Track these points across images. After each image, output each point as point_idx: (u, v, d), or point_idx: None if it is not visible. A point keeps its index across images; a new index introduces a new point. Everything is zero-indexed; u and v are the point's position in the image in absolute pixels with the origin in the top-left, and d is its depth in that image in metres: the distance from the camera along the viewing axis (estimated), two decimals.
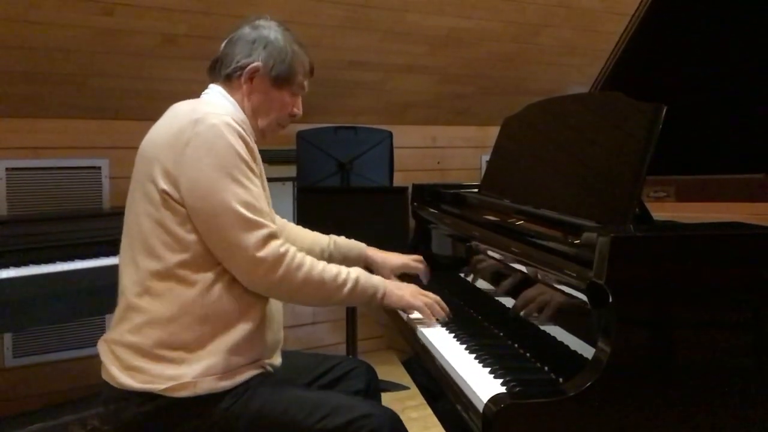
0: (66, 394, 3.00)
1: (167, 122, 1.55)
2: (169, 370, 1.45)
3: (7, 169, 2.88)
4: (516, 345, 1.52)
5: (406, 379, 3.34)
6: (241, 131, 1.51)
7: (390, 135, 3.46)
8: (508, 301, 1.61)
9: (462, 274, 1.93)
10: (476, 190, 2.18)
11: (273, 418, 1.48)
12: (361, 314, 3.36)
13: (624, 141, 1.46)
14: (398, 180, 3.53)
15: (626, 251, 1.16)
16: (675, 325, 1.19)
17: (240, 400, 1.48)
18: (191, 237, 1.47)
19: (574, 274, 1.25)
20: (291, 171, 3.46)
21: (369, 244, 1.99)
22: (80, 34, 2.73)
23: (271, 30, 1.66)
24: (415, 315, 1.72)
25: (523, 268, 1.51)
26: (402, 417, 1.56)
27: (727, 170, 2.03)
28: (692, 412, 1.17)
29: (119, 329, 1.52)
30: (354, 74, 3.49)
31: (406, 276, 1.95)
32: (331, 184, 3.34)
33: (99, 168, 3.09)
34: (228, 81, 1.64)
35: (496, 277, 1.68)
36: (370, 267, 1.91)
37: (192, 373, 1.45)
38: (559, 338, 1.36)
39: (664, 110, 1.37)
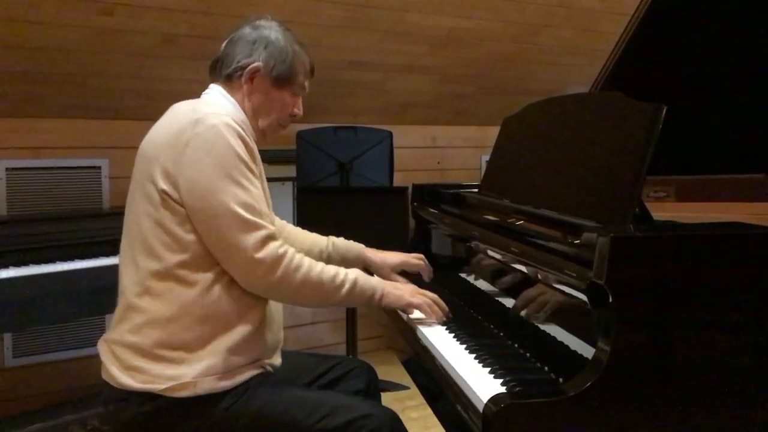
0: (66, 394, 3.00)
1: (167, 122, 1.55)
2: (169, 370, 1.45)
3: (7, 169, 2.88)
4: (516, 345, 1.52)
5: (406, 379, 3.34)
6: (241, 132, 1.51)
7: (390, 135, 3.46)
8: (508, 301, 1.61)
9: (462, 274, 1.93)
10: (476, 190, 2.18)
11: (273, 418, 1.48)
12: (361, 314, 3.36)
13: (624, 141, 1.46)
14: (398, 180, 3.52)
15: (626, 251, 1.16)
16: (675, 325, 1.19)
17: (240, 400, 1.48)
18: (190, 237, 1.47)
19: (574, 274, 1.25)
20: (291, 171, 3.46)
21: (369, 244, 1.99)
22: (80, 34, 2.73)
23: (271, 30, 1.66)
24: (415, 315, 1.72)
25: (523, 268, 1.51)
26: (402, 417, 1.56)
27: (727, 170, 2.03)
28: (692, 412, 1.17)
29: (119, 329, 1.52)
30: (354, 74, 3.49)
31: (407, 275, 1.94)
32: (331, 184, 3.34)
33: (99, 168, 3.09)
34: (228, 81, 1.64)
35: (496, 277, 1.68)
36: (368, 268, 1.91)
37: (192, 373, 1.45)
38: (559, 338, 1.36)
39: (664, 110, 1.37)
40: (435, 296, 1.71)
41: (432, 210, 2.23)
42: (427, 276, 1.94)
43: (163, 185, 1.47)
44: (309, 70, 1.71)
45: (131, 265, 1.52)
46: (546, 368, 1.38)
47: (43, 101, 2.93)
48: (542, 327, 1.43)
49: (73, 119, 3.05)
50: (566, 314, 1.34)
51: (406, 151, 3.88)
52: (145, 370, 1.46)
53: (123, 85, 3.02)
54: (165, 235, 1.48)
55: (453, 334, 1.60)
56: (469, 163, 4.17)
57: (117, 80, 2.99)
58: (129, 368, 1.47)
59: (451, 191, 2.22)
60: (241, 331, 1.50)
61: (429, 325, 1.68)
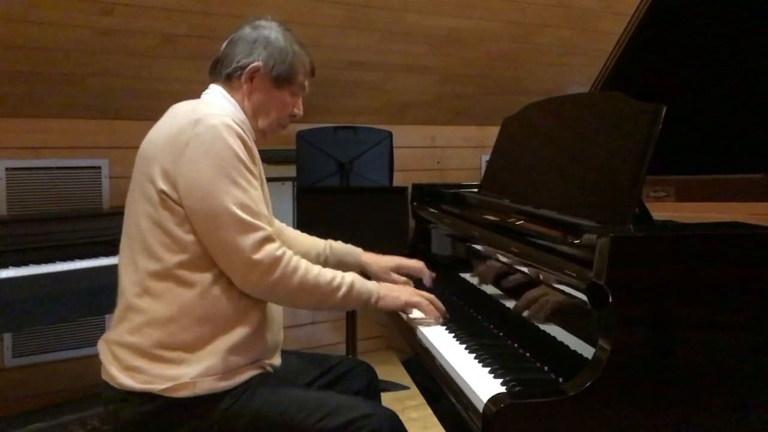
0: (66, 394, 3.00)
1: (167, 123, 1.55)
2: (169, 370, 1.45)
3: (7, 169, 2.88)
4: (516, 345, 1.52)
5: (406, 379, 3.34)
6: (241, 132, 1.51)
7: (390, 135, 3.46)
8: (508, 301, 1.61)
9: (462, 274, 1.93)
10: (476, 190, 2.18)
11: (272, 418, 1.48)
12: (360, 314, 3.35)
13: (624, 141, 1.46)
14: (398, 180, 3.53)
15: (626, 251, 1.16)
16: (675, 325, 1.19)
17: (239, 401, 1.48)
18: (189, 237, 1.47)
19: (574, 274, 1.25)
20: (291, 171, 3.46)
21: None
22: (80, 34, 2.73)
23: (271, 30, 1.66)
24: (415, 315, 1.72)
25: (523, 268, 1.51)
26: (402, 417, 1.56)
27: (727, 170, 2.03)
28: (692, 412, 1.17)
29: (119, 329, 1.52)
30: (354, 74, 3.49)
31: (408, 277, 1.93)
32: (330, 184, 3.34)
33: (99, 168, 3.09)
34: (228, 81, 1.64)
35: (495, 277, 1.68)
36: (366, 272, 1.90)
37: (191, 373, 1.45)
38: (559, 338, 1.36)
39: (664, 110, 1.37)
40: (432, 296, 1.72)
41: (432, 210, 2.23)
42: (427, 280, 1.93)
43: (163, 185, 1.47)
44: (309, 70, 1.71)
45: (131, 265, 1.52)
46: (546, 368, 1.38)
47: (43, 101, 2.93)
48: (542, 327, 1.43)
49: (73, 119, 3.05)
50: (566, 314, 1.34)
51: (406, 151, 3.88)
52: (145, 370, 1.46)
53: (123, 85, 3.02)
54: (164, 236, 1.48)
55: (453, 334, 1.60)
56: (469, 163, 4.17)
57: (117, 80, 2.99)
58: (129, 368, 1.47)
59: (451, 191, 2.22)
60: (240, 331, 1.50)
61: (429, 325, 1.68)
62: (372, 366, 1.85)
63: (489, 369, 1.36)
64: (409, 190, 2.47)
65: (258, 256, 1.46)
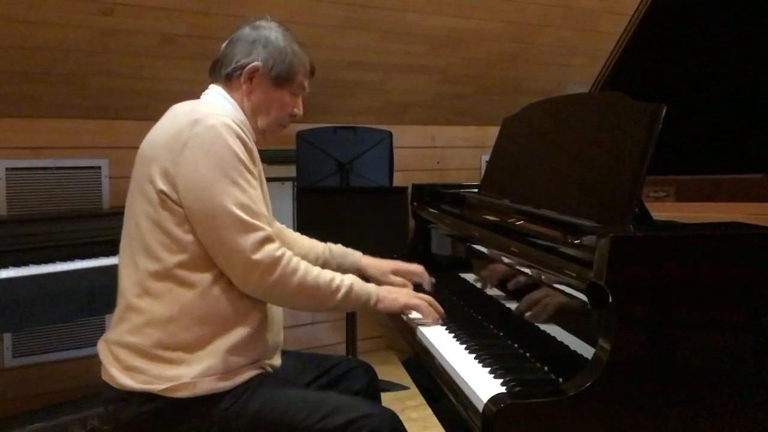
0: (66, 394, 2.99)
1: (167, 123, 1.55)
2: (169, 370, 1.45)
3: (7, 169, 2.88)
4: (516, 345, 1.52)
5: (406, 379, 3.34)
6: (240, 132, 1.51)
7: (390, 135, 3.46)
8: (508, 301, 1.61)
9: (462, 274, 1.93)
10: (476, 190, 2.18)
11: (273, 418, 1.48)
12: (360, 315, 3.35)
13: (624, 141, 1.46)
14: (398, 180, 3.53)
15: (626, 251, 1.16)
16: (675, 325, 1.19)
17: (239, 401, 1.48)
18: (189, 238, 1.47)
19: (574, 274, 1.25)
20: (291, 171, 3.46)
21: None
22: (80, 34, 2.73)
23: (271, 30, 1.66)
24: (414, 314, 1.72)
25: (522, 268, 1.51)
26: (402, 417, 1.56)
27: (727, 170, 2.03)
28: (692, 412, 1.17)
29: (119, 330, 1.52)
30: (354, 74, 3.49)
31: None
32: (330, 184, 3.34)
33: (99, 168, 3.08)
34: (228, 81, 1.64)
35: (495, 277, 1.68)
36: (364, 275, 1.89)
37: (191, 373, 1.45)
38: (559, 338, 1.36)
39: (664, 110, 1.37)
40: (430, 298, 1.72)
41: (432, 210, 2.23)
42: (427, 285, 1.92)
43: (162, 186, 1.47)
44: (309, 70, 1.71)
45: (130, 265, 1.52)
46: (546, 368, 1.38)
47: (43, 101, 2.93)
48: (542, 327, 1.43)
49: (73, 119, 3.05)
50: (566, 314, 1.34)
51: (406, 151, 3.88)
52: (145, 370, 1.46)
53: (123, 85, 3.02)
54: (164, 236, 1.48)
55: (453, 334, 1.60)
56: (469, 163, 4.17)
57: (117, 80, 2.99)
58: (128, 369, 1.47)
59: (451, 191, 2.22)
60: (240, 331, 1.50)
61: (429, 325, 1.68)
62: (372, 366, 1.85)
63: (489, 369, 1.36)
64: (409, 190, 2.47)
65: (258, 256, 1.46)
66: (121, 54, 2.88)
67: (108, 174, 3.10)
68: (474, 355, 1.45)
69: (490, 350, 1.47)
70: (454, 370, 1.39)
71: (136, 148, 1.57)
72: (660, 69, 1.84)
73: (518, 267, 1.53)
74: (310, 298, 1.55)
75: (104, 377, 1.52)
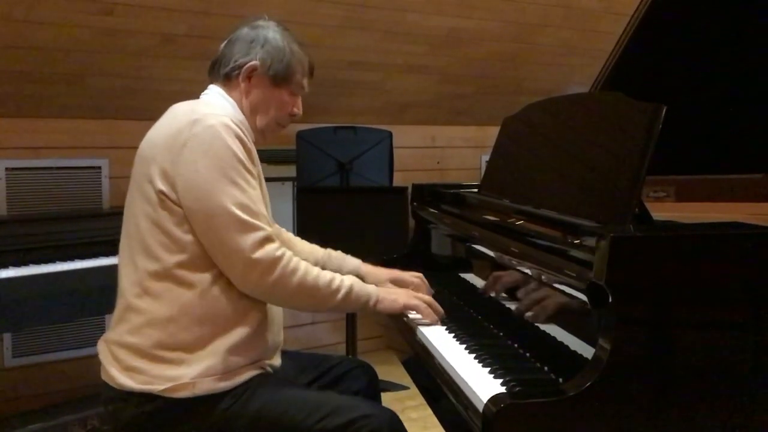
0: (66, 394, 3.00)
1: (166, 123, 1.55)
2: (169, 370, 1.45)
3: (7, 169, 2.88)
4: (516, 345, 1.52)
5: (406, 379, 3.34)
6: (239, 132, 1.51)
7: (389, 135, 3.46)
8: (508, 301, 1.61)
9: (462, 274, 1.93)
10: (476, 190, 2.18)
11: (273, 418, 1.48)
12: (360, 315, 3.35)
13: (624, 141, 1.46)
14: (398, 180, 3.53)
15: (626, 251, 1.16)
16: (675, 325, 1.19)
17: (239, 401, 1.48)
18: (188, 238, 1.47)
19: (574, 274, 1.25)
20: (291, 171, 3.46)
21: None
22: (80, 34, 2.73)
23: (269, 30, 1.66)
24: (414, 315, 1.72)
25: (523, 268, 1.51)
26: (402, 417, 1.56)
27: (727, 170, 2.03)
28: (692, 412, 1.17)
29: (118, 330, 1.52)
30: (354, 74, 3.49)
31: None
32: (330, 184, 3.34)
33: (99, 168, 3.09)
34: (227, 81, 1.64)
35: (495, 277, 1.68)
36: (363, 281, 1.88)
37: (191, 373, 1.45)
38: (559, 338, 1.36)
39: (664, 110, 1.37)
40: (430, 298, 1.72)
41: (432, 210, 2.23)
42: (425, 293, 1.90)
43: (161, 186, 1.47)
44: (308, 70, 1.71)
45: (130, 265, 1.52)
46: (546, 368, 1.38)
47: (43, 101, 2.93)
48: (542, 327, 1.43)
49: (73, 119, 3.05)
50: (566, 314, 1.34)
51: (406, 151, 3.88)
52: (145, 370, 1.45)
53: (123, 85, 3.02)
54: (163, 236, 1.48)
55: (453, 334, 1.60)
56: (469, 163, 4.17)
57: (117, 80, 2.99)
58: (128, 369, 1.47)
59: (451, 191, 2.22)
60: (240, 331, 1.50)
61: (429, 325, 1.68)
62: (372, 366, 1.85)
63: (489, 369, 1.36)
64: (409, 190, 2.47)
65: (257, 255, 1.46)
66: (121, 54, 2.88)
67: (108, 174, 3.10)
68: (474, 355, 1.45)
69: (490, 350, 1.47)
70: (454, 370, 1.39)
71: (136, 148, 1.57)
72: (660, 69, 1.84)
73: (518, 267, 1.53)
74: (310, 299, 1.54)
75: (104, 377, 1.52)
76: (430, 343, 1.58)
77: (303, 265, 1.53)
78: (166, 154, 1.48)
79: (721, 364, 1.19)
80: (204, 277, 1.48)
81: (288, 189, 3.60)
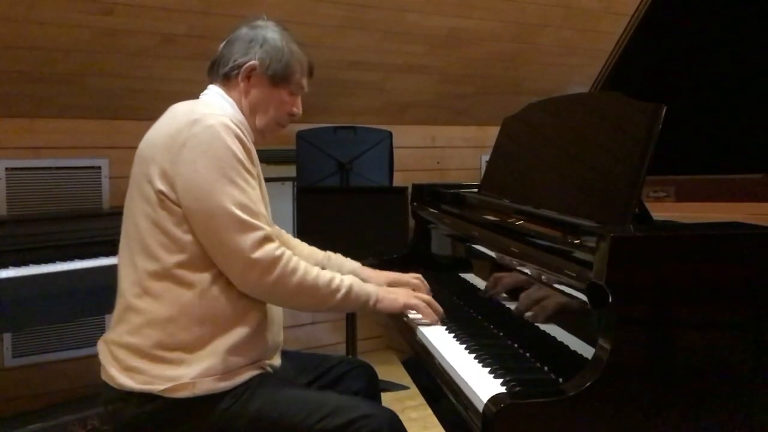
0: (66, 394, 3.00)
1: (165, 123, 1.55)
2: (168, 371, 1.45)
3: (7, 169, 2.88)
4: (516, 345, 1.52)
5: (406, 379, 3.34)
6: (239, 132, 1.51)
7: (389, 135, 3.46)
8: (508, 301, 1.61)
9: (462, 274, 1.93)
10: (476, 190, 2.18)
11: (272, 418, 1.48)
12: (360, 314, 3.35)
13: (624, 141, 1.46)
14: (398, 180, 3.53)
15: (626, 251, 1.16)
16: (675, 325, 1.19)
17: (239, 401, 1.48)
18: (187, 237, 1.47)
19: (574, 274, 1.25)
20: (290, 171, 3.46)
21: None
22: (80, 34, 2.73)
23: (268, 29, 1.66)
24: (414, 315, 1.72)
25: (523, 268, 1.50)
26: (402, 417, 1.56)
27: (727, 170, 2.03)
28: (692, 412, 1.17)
29: (118, 330, 1.52)
30: (354, 74, 3.49)
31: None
32: (330, 184, 3.34)
33: (99, 168, 3.09)
34: (226, 80, 1.64)
35: (495, 278, 1.68)
36: None
37: (191, 373, 1.45)
38: (559, 338, 1.36)
39: (664, 110, 1.37)
40: (429, 298, 1.72)
41: (432, 210, 2.23)
42: (424, 293, 1.90)
43: (160, 186, 1.47)
44: (307, 70, 1.70)
45: (129, 265, 1.52)
46: (546, 368, 1.38)
47: (43, 101, 2.93)
48: (542, 327, 1.43)
49: (73, 119, 3.05)
50: (566, 314, 1.34)
51: (406, 151, 3.88)
52: (144, 370, 1.45)
53: (123, 85, 3.02)
54: (162, 236, 1.48)
55: (453, 334, 1.60)
56: (469, 163, 4.17)
57: (117, 80, 2.99)
58: (128, 369, 1.47)
59: (451, 191, 2.22)
60: (240, 331, 1.50)
61: (429, 325, 1.68)
62: (372, 366, 1.85)
63: (489, 369, 1.36)
64: (409, 190, 2.47)
65: (257, 255, 1.46)
66: (121, 54, 2.88)
67: (108, 174, 3.10)
68: (474, 355, 1.45)
69: (490, 350, 1.47)
70: (454, 370, 1.39)
71: (136, 148, 1.57)
72: (660, 69, 1.84)
73: (518, 267, 1.53)
74: (310, 298, 1.54)
75: (104, 377, 1.52)
76: (430, 343, 1.58)
77: (303, 265, 1.53)
78: (166, 154, 1.48)
79: (721, 364, 1.19)
80: (203, 277, 1.48)
81: (288, 189, 3.60)
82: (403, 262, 2.20)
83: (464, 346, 1.52)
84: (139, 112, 3.06)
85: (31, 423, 2.66)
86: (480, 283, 1.80)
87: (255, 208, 1.48)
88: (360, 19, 3.19)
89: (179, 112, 1.55)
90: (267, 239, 1.48)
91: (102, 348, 1.55)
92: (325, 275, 1.56)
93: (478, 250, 1.79)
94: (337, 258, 1.93)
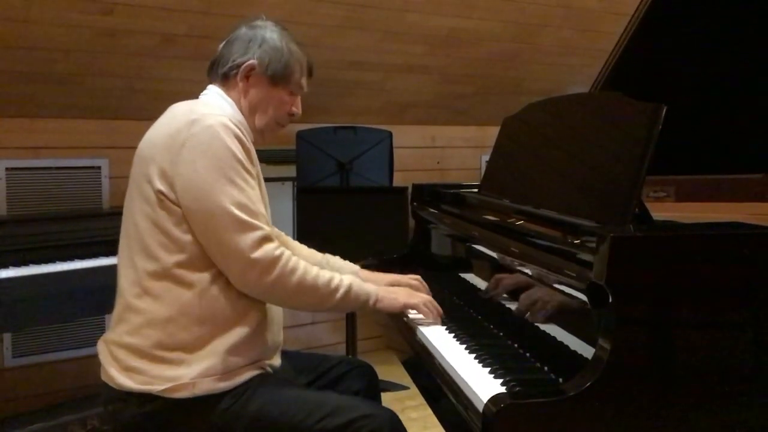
0: (66, 394, 3.00)
1: (165, 123, 1.55)
2: (168, 371, 1.45)
3: (7, 169, 2.88)
4: (516, 345, 1.52)
5: (406, 379, 3.34)
6: (238, 132, 1.51)
7: (389, 135, 3.46)
8: (508, 301, 1.61)
9: (462, 274, 1.93)
10: (476, 190, 2.18)
11: (272, 418, 1.48)
12: (360, 314, 3.35)
13: (624, 141, 1.46)
14: (398, 180, 3.52)
15: (626, 251, 1.16)
16: (675, 325, 1.19)
17: (239, 401, 1.48)
18: (187, 237, 1.47)
19: (574, 274, 1.25)
20: (290, 171, 3.46)
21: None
22: (80, 34, 2.73)
23: (267, 29, 1.66)
24: (414, 315, 1.72)
25: (523, 269, 1.50)
26: (402, 417, 1.56)
27: (727, 170, 2.03)
28: (692, 412, 1.17)
29: (118, 330, 1.51)
30: (354, 74, 3.49)
31: None
32: (330, 184, 3.34)
33: (99, 168, 3.09)
34: (225, 80, 1.64)
35: (495, 278, 1.68)
36: None
37: (191, 374, 1.44)
38: (559, 338, 1.36)
39: (664, 110, 1.37)
40: (429, 298, 1.72)
41: (432, 210, 2.23)
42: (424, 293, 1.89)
43: (160, 185, 1.47)
44: (306, 70, 1.70)
45: (129, 265, 1.52)
46: (546, 368, 1.38)
47: (43, 101, 2.93)
48: (542, 327, 1.43)
49: (73, 119, 3.05)
50: (566, 314, 1.34)
51: (406, 151, 3.88)
52: (144, 371, 1.45)
53: (123, 85, 3.02)
54: (162, 236, 1.48)
55: (453, 334, 1.60)
56: (469, 163, 4.17)
57: (117, 80, 2.99)
58: (128, 369, 1.47)
59: (451, 191, 2.22)
60: (239, 331, 1.50)
61: (429, 324, 1.68)
62: (372, 366, 1.85)
63: (489, 369, 1.36)
64: (409, 190, 2.47)
65: (256, 254, 1.46)
66: (121, 54, 2.88)
67: (108, 174, 3.10)
68: (474, 355, 1.45)
69: (490, 350, 1.47)
70: (454, 370, 1.39)
71: (136, 148, 1.57)
72: (660, 69, 1.84)
73: (518, 267, 1.53)
74: (309, 298, 1.54)
75: (104, 377, 1.52)
76: (430, 343, 1.58)
77: (302, 265, 1.53)
78: (165, 154, 1.48)
79: (721, 364, 1.19)
80: (203, 277, 1.48)
81: (288, 189, 3.60)
82: (403, 262, 2.21)
83: (464, 346, 1.52)
84: (139, 112, 3.06)
85: (31, 423, 2.66)
86: (480, 283, 1.80)
87: (254, 208, 1.48)
88: (360, 19, 3.19)
89: (179, 112, 1.55)
90: (266, 239, 1.48)
91: (102, 348, 1.55)
92: (325, 275, 1.56)
93: (478, 250, 1.79)
94: (336, 261, 1.93)
